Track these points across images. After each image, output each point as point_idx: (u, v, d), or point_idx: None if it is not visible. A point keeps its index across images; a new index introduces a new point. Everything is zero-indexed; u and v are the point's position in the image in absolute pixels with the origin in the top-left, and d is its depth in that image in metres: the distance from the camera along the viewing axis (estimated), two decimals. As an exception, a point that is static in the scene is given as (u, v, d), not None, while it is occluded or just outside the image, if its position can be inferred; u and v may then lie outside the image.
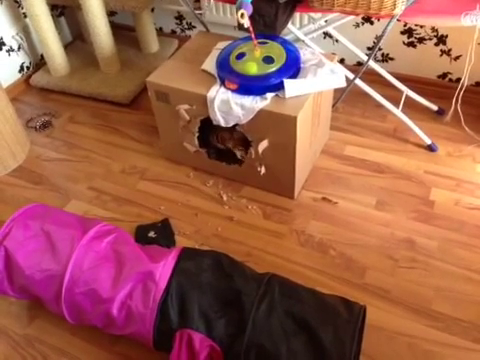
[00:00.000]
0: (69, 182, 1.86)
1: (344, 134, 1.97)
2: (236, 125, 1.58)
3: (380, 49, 2.16)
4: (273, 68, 1.52)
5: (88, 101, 2.26)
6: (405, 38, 2.08)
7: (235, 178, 1.79)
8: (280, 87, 1.50)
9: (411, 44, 2.09)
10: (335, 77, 1.55)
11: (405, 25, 2.03)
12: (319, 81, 1.52)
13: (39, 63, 2.44)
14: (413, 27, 2.03)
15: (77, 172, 1.90)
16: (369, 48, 2.16)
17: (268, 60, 1.53)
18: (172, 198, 1.76)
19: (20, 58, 2.35)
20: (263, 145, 1.58)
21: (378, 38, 1.71)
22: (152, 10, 2.54)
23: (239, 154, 1.70)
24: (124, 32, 2.59)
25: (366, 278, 1.45)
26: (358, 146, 1.90)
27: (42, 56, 2.37)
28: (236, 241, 1.59)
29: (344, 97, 1.81)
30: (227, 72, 1.56)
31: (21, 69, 2.36)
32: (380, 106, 1.97)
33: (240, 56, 1.57)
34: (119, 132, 2.08)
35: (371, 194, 1.71)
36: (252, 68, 1.52)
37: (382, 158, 1.84)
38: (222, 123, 1.59)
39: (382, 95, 1.81)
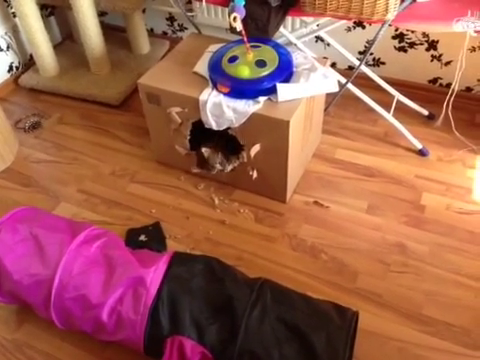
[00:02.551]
0: (58, 184, 1.84)
1: (335, 138, 1.97)
2: (228, 128, 1.58)
3: (371, 54, 2.17)
4: (265, 72, 1.51)
5: (78, 102, 2.23)
6: (396, 43, 2.09)
7: (227, 181, 1.78)
8: (273, 91, 1.50)
9: (402, 49, 2.10)
10: (327, 82, 1.55)
11: (396, 30, 2.04)
12: (312, 86, 1.52)
13: (28, 63, 2.41)
14: (404, 32, 2.04)
15: (66, 174, 1.88)
16: (361, 52, 2.17)
17: (260, 64, 1.53)
18: (163, 201, 1.74)
19: (9, 58, 2.31)
20: (255, 149, 1.57)
21: (370, 43, 1.71)
22: (143, 11, 2.52)
23: (217, 167, 1.69)
24: (115, 33, 2.56)
25: (358, 282, 1.45)
26: (349, 150, 1.91)
27: (31, 56, 2.35)
28: (228, 245, 1.58)
29: (336, 101, 1.81)
30: (219, 75, 1.55)
31: (10, 69, 2.33)
32: (371, 110, 1.97)
33: (232, 59, 1.56)
34: (109, 134, 2.06)
35: (362, 198, 1.71)
36: (244, 71, 1.52)
37: (373, 162, 1.85)
38: (214, 126, 1.58)
39: (373, 99, 1.81)
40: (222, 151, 1.71)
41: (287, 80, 1.53)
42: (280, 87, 1.48)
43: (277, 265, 1.51)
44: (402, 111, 1.98)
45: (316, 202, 1.70)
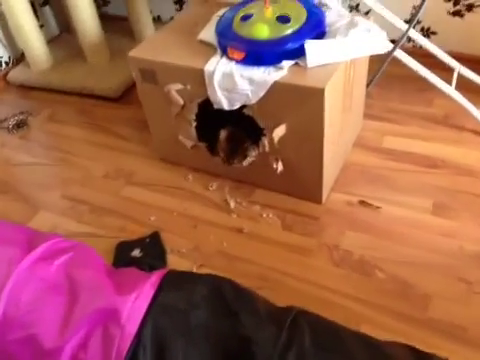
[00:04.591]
0: (39, 190, 1.50)
1: (381, 123, 1.57)
2: (243, 108, 1.21)
3: (419, 22, 1.77)
4: (289, 29, 1.15)
5: (72, 97, 1.91)
6: (450, 6, 1.69)
7: (245, 179, 1.40)
8: (299, 54, 1.13)
9: (458, 13, 1.70)
10: (373, 39, 1.16)
11: (451, -11, 1.65)
12: (353, 43, 1.14)
13: (20, 58, 2.12)
14: (461, -9, 1.65)
15: (51, 178, 1.55)
16: (406, 21, 1.77)
17: (283, 19, 1.16)
18: (165, 206, 1.38)
19: (-3, 52, 2.04)
20: (280, 132, 1.19)
21: (419, 5, 1.33)
22: (148, -5, 2.21)
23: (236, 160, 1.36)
24: (117, 22, 2.25)
25: (431, 310, 1.03)
26: (400, 136, 1.50)
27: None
28: (247, 260, 1.19)
29: (381, 74, 1.42)
30: (230, 38, 1.19)
31: (-2, 64, 2.05)
32: (423, 89, 1.60)
33: (246, 18, 1.20)
34: (105, 130, 1.72)
35: (425, 195, 1.30)
36: (262, 30, 1.15)
37: (434, 150, 1.44)
38: (225, 105, 1.21)
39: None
40: (238, 140, 1.35)
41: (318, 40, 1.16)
42: (310, 45, 1.10)
43: (315, 287, 1.11)
44: (464, 88, 1.56)
45: (363, 202, 1.30)
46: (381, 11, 1.56)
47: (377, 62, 1.38)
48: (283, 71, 1.11)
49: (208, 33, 1.29)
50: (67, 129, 1.76)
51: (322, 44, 1.11)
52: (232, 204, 1.35)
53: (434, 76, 1.42)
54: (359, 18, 1.19)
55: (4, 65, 2.08)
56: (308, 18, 1.17)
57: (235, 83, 1.15)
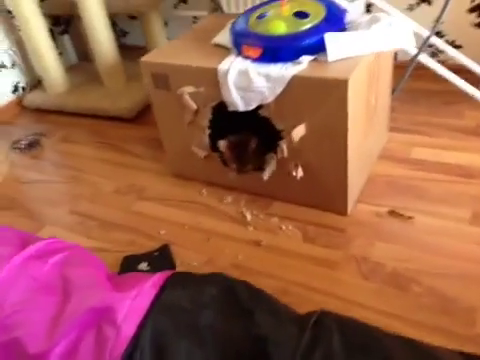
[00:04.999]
0: (47, 206, 1.43)
1: (408, 135, 1.47)
2: (259, 109, 1.13)
3: (443, 36, 1.71)
4: (308, 24, 1.09)
5: (87, 119, 1.88)
6: (474, 18, 1.63)
7: (262, 192, 1.30)
8: (319, 49, 1.06)
9: (484, 25, 1.64)
10: (397, 33, 1.09)
11: (473, 0, 1.59)
12: (375, 37, 1.07)
13: (37, 84, 2.13)
14: (486, 1, 1.59)
15: (60, 194, 1.48)
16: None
17: (301, 15, 1.11)
18: (177, 220, 1.28)
19: (14, 76, 2.04)
20: (299, 132, 1.10)
21: (442, 9, 1.27)
22: (166, 24, 2.23)
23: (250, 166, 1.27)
24: (135, 51, 2.26)
25: (479, 326, 0.89)
26: (431, 147, 1.40)
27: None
28: (266, 274, 1.07)
29: (407, 78, 1.34)
30: (245, 36, 1.14)
31: (15, 89, 2.05)
32: (450, 103, 1.53)
33: (262, 16, 1.15)
34: (118, 148, 1.67)
35: (461, 205, 1.17)
36: (280, 26, 1.10)
37: (467, 160, 1.32)
38: (240, 106, 1.14)
39: (449, 90, 1.34)
40: (241, 145, 1.26)
41: (340, 35, 1.09)
42: (330, 38, 1.03)
43: (344, 302, 0.98)
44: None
45: (393, 212, 1.18)
46: (402, 19, 1.51)
47: (401, 71, 1.32)
48: (302, 65, 1.04)
49: (222, 37, 1.24)
50: (79, 148, 1.72)
51: (343, 36, 1.04)
52: (248, 216, 1.25)
53: (462, 81, 1.34)
54: (381, 14, 1.13)
55: (21, 90, 2.08)
56: (327, 14, 1.11)
57: (251, 81, 1.08)
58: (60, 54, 2.17)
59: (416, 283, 0.99)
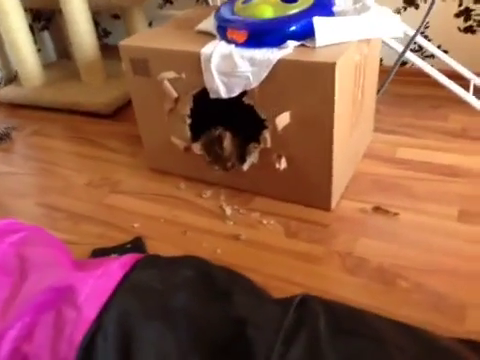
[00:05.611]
0: (12, 198, 1.34)
1: (392, 136, 1.44)
2: (242, 96, 1.08)
3: (429, 40, 1.71)
4: (296, 9, 1.05)
5: (63, 114, 1.80)
6: (461, 22, 1.63)
7: (243, 187, 1.25)
8: (306, 35, 1.02)
9: (469, 30, 1.64)
10: (388, 21, 1.07)
11: (460, 4, 1.59)
12: (365, 23, 1.04)
13: (13, 79, 2.04)
14: (471, 6, 1.59)
15: (28, 186, 1.39)
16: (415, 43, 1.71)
17: (289, 0, 1.07)
18: (152, 214, 1.21)
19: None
20: (283, 119, 1.05)
21: (425, 14, 1.26)
22: (150, 24, 2.18)
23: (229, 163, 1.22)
24: (117, 52, 2.21)
25: (468, 322, 0.84)
26: (415, 148, 1.37)
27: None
28: (244, 267, 0.99)
29: (391, 78, 1.31)
30: (230, 21, 1.09)
31: (-11, 83, 1.96)
32: (436, 106, 1.52)
33: (248, 0, 1.12)
34: (94, 143, 1.59)
35: (448, 203, 1.14)
36: (266, 10, 1.06)
37: (453, 160, 1.30)
38: (223, 92, 1.09)
39: (435, 95, 1.33)
40: (230, 144, 1.21)
41: (327, 22, 1.06)
42: (319, 22, 1.00)
43: (327, 296, 0.90)
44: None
45: (378, 208, 1.13)
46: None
47: (386, 73, 1.30)
48: (288, 49, 1.00)
49: (207, 23, 1.20)
50: (52, 142, 1.63)
51: (333, 21, 1.01)
52: (228, 211, 1.18)
53: (447, 79, 1.32)
54: (371, 1, 1.10)
55: (-5, 84, 1.99)
56: (316, 0, 1.08)
57: (235, 65, 1.03)
58: (39, 51, 2.11)
59: (403, 279, 0.94)
